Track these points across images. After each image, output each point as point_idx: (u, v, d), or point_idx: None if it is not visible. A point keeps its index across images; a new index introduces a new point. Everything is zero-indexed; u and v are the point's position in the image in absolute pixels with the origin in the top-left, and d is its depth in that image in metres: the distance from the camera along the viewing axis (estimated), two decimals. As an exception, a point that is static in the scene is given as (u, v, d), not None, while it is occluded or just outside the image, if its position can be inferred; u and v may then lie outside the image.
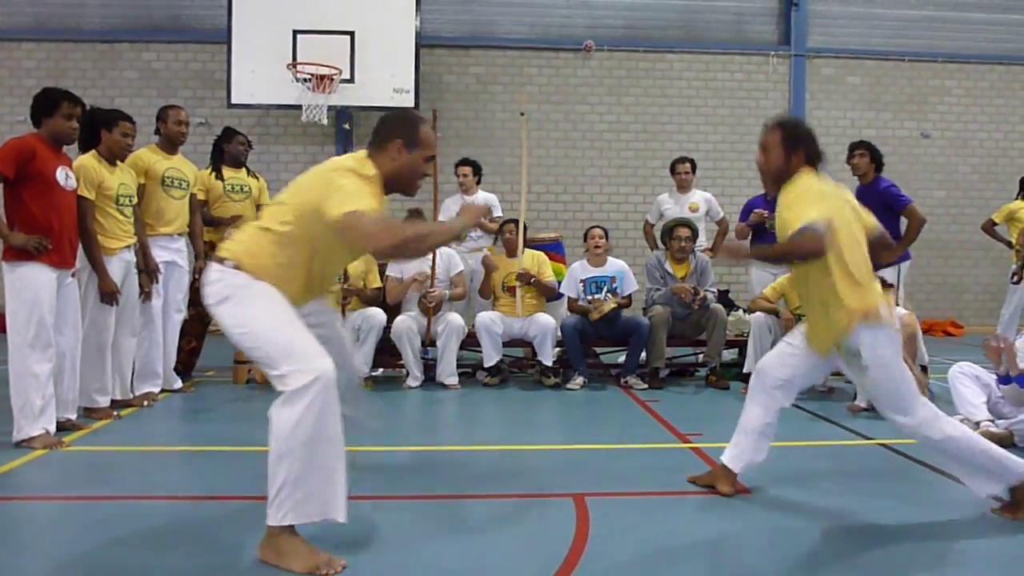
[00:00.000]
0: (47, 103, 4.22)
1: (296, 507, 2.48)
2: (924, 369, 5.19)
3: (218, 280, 2.69)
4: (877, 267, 5.85)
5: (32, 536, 2.92)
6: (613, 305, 6.14)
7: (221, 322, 2.69)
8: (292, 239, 2.73)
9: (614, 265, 6.46)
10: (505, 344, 6.31)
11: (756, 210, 6.53)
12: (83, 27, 10.19)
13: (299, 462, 2.45)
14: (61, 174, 4.20)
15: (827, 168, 3.30)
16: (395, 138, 2.86)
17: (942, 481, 3.65)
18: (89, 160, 4.69)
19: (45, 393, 4.08)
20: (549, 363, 6.15)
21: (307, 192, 2.74)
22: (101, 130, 4.74)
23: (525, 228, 6.40)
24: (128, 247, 4.91)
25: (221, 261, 2.71)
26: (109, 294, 4.69)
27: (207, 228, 5.96)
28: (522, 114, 6.60)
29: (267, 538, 2.57)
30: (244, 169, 6.28)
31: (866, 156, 6.14)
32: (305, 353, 2.52)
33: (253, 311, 2.64)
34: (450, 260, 6.39)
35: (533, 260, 6.47)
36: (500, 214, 7.24)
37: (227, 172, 6.18)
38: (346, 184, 2.64)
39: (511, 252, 6.42)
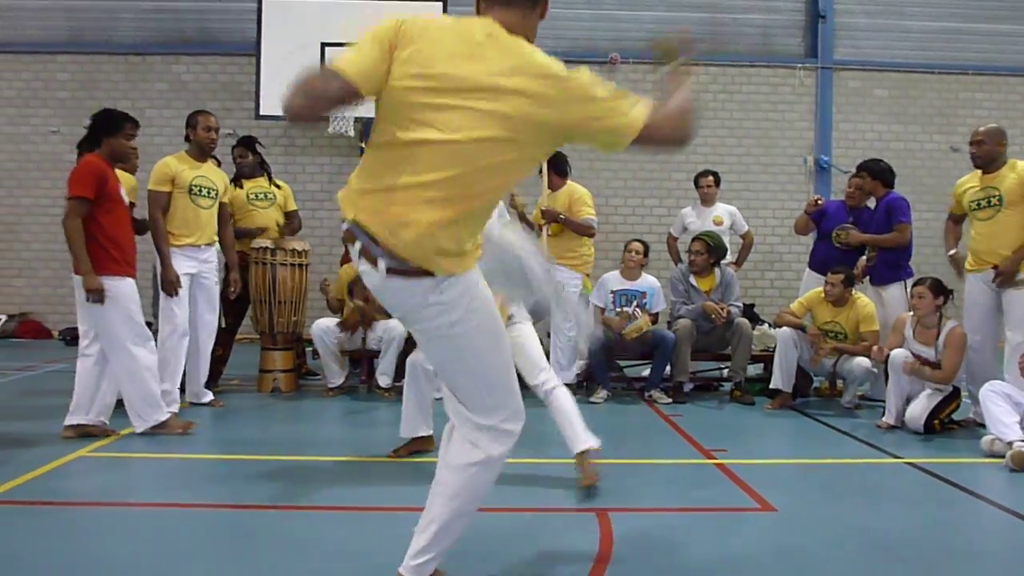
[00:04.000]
0: (111, 123, 4.44)
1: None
2: (956, 391, 5.06)
3: None
4: (881, 280, 5.99)
5: (57, 541, 2.95)
6: (649, 326, 6.11)
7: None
8: None
9: (647, 281, 6.43)
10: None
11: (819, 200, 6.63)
12: (115, 40, 10.35)
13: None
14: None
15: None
16: None
17: (971, 501, 3.59)
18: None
19: (158, 383, 4.58)
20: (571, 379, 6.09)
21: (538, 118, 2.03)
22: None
23: (566, 160, 6.21)
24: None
25: None
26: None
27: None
28: None
29: None
30: (265, 177, 6.33)
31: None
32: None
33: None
34: None
35: (569, 195, 6.21)
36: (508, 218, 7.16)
37: (246, 182, 6.24)
38: (593, 87, 2.06)
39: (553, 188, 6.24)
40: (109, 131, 4.42)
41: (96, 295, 4.27)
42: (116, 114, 4.51)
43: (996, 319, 5.15)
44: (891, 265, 6.04)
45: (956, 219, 5.53)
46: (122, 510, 3.31)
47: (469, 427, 2.27)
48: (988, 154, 5.15)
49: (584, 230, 6.17)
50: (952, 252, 5.44)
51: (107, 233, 4.35)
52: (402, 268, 2.06)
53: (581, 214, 6.15)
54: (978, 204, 5.19)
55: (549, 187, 6.22)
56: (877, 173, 6.21)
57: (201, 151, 5.38)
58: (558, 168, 6.20)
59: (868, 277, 6.24)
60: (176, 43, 10.36)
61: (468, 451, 2.27)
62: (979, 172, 5.26)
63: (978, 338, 5.11)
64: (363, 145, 9.19)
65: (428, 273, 2.07)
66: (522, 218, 6.30)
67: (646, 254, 6.51)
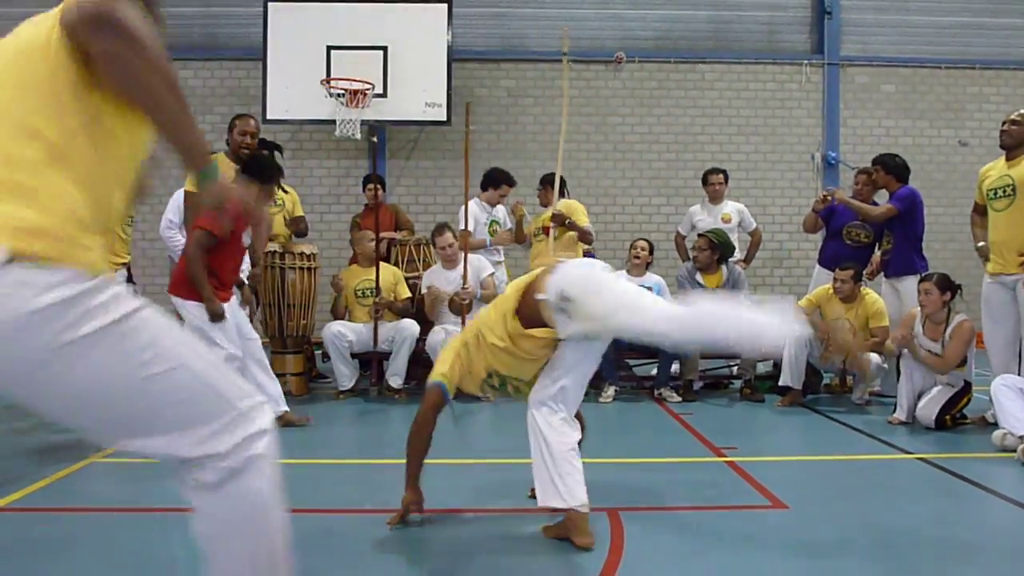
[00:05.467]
0: (267, 175, 4.59)
1: None
2: (968, 385, 5.05)
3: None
4: (896, 272, 6.02)
5: (62, 546, 2.97)
6: None
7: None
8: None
9: (652, 278, 6.48)
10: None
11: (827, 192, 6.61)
12: (123, 46, 10.43)
13: None
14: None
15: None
16: None
17: (983, 496, 3.58)
18: None
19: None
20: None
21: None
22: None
23: (563, 181, 6.42)
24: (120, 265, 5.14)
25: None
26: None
27: None
28: (564, 54, 6.80)
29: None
30: None
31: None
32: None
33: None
34: (480, 264, 6.42)
35: (567, 208, 6.44)
36: (510, 226, 7.14)
37: None
38: None
39: (545, 204, 6.59)
40: (264, 179, 4.54)
41: (218, 318, 4.38)
42: (273, 167, 4.65)
43: (1014, 316, 4.96)
44: (906, 258, 6.01)
45: (980, 210, 5.30)
46: (137, 516, 3.33)
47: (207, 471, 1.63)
48: (1018, 135, 4.93)
49: (588, 237, 6.45)
50: (980, 244, 5.26)
51: (210, 264, 4.37)
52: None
53: (582, 223, 6.41)
54: (995, 193, 5.02)
55: (544, 204, 6.61)
56: (891, 168, 6.17)
57: (234, 155, 5.41)
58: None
59: (883, 271, 6.21)
60: (183, 48, 10.41)
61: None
62: (1002, 160, 5.07)
63: (993, 331, 5.05)
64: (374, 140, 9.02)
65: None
66: (519, 226, 6.62)
67: (651, 252, 6.58)
